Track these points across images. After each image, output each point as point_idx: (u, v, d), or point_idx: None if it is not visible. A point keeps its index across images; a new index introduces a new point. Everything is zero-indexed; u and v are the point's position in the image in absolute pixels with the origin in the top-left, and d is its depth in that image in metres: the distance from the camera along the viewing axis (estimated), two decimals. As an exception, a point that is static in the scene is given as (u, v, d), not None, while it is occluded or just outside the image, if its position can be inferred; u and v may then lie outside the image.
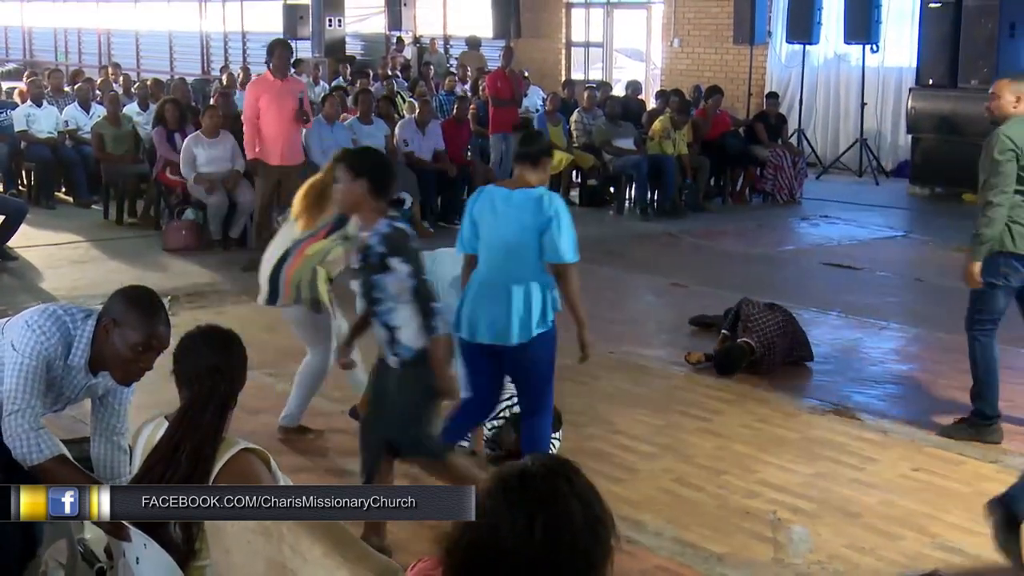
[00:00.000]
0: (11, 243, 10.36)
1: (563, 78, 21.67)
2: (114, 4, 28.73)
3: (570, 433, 6.12)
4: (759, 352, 7.27)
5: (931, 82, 14.94)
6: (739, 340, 7.39)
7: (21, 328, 3.59)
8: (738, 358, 7.29)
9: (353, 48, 23.98)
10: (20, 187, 13.79)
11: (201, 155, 11.05)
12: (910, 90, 15.67)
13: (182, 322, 8.43)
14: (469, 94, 16.32)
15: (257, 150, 10.03)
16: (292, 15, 21.57)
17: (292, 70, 11.09)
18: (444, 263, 5.59)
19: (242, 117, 10.38)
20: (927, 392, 7.11)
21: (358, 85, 15.92)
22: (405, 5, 22.82)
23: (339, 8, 22.00)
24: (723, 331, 7.67)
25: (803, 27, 16.53)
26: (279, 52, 10.08)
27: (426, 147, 12.64)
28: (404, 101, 15.49)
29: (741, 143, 14.80)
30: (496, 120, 14.10)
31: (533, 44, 22.09)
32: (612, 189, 14.30)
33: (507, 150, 13.45)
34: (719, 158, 14.42)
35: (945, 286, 9.24)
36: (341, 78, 19.29)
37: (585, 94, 15.00)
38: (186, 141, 11.13)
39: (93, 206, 13.08)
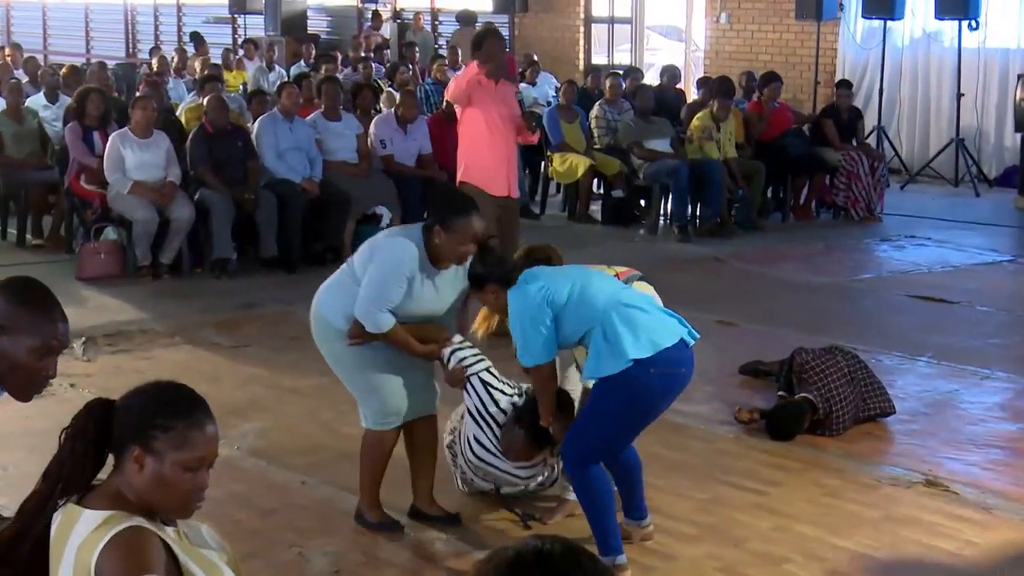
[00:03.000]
0: None
1: (581, 63, 21.81)
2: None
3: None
4: (822, 409, 7.28)
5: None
6: (796, 396, 7.41)
7: None
8: (796, 417, 7.29)
9: (317, 25, 24.15)
10: None
11: (131, 158, 11.09)
12: (1019, 77, 15.74)
13: (101, 370, 8.48)
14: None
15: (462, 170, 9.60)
16: (240, -16, 21.76)
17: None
18: None
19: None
20: (1041, 458, 7.12)
21: (323, 71, 16.04)
22: (382, -29, 23.04)
23: (299, -25, 22.21)
24: (779, 393, 7.68)
25: (883, -2, 16.66)
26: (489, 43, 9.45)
27: (409, 149, 12.69)
28: (381, 91, 15.57)
29: (805, 144, 14.86)
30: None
31: (543, 20, 22.22)
32: (643, 202, 14.35)
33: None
34: (778, 163, 14.47)
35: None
36: (303, 62, 19.42)
37: (608, 83, 15.08)
38: (111, 139, 11.18)
39: (-12, 224, 13.13)
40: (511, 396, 6.08)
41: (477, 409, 6.05)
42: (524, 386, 6.13)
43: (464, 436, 6.13)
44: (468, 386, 6.01)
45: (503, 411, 6.03)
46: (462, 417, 6.22)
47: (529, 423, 5.87)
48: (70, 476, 3.10)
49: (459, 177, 9.50)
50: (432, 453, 6.10)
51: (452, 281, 5.82)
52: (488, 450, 6.07)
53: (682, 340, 5.43)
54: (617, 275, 6.08)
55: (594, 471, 5.46)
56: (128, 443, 3.08)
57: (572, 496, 5.88)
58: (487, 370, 6.08)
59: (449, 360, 5.95)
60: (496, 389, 6.05)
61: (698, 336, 5.59)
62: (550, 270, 5.66)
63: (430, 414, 6.00)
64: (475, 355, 6.04)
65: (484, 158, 9.39)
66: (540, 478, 6.20)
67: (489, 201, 8.96)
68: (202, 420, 3.11)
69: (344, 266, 5.91)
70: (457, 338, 5.99)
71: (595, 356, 5.34)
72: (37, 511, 3.10)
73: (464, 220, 5.59)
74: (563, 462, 5.61)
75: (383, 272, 5.64)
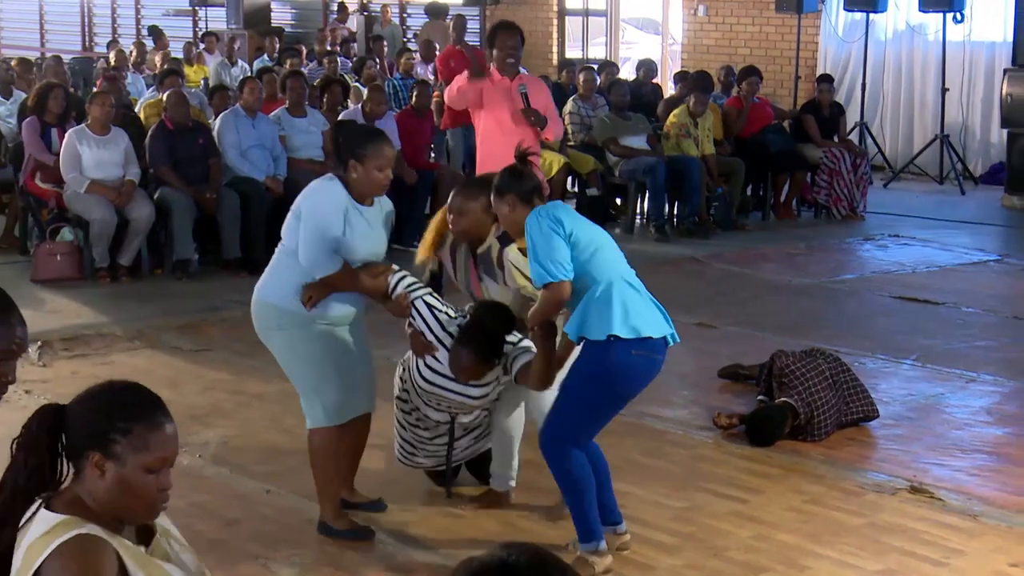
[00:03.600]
0: None
1: (555, 57, 21.82)
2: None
3: (565, 518, 6.13)
4: (803, 413, 7.31)
5: (1032, 62, 15.13)
6: (776, 401, 7.43)
7: None
8: (776, 422, 7.32)
9: (281, 18, 24.12)
10: None
11: (88, 156, 11.05)
12: (1005, 72, 15.82)
13: (57, 375, 8.46)
14: (432, 78, 16.41)
15: None
16: (201, -25, 21.71)
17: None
18: None
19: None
20: (1028, 464, 7.16)
21: (288, 66, 16.02)
22: (348, -39, 23.01)
23: (262, -34, 22.18)
24: (759, 397, 7.71)
25: (866, -10, 16.73)
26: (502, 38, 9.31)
27: (376, 146, 12.66)
28: (349, 87, 15.55)
29: (786, 141, 14.90)
30: (453, 110, 14.17)
31: (515, 13, 22.19)
32: (619, 201, 14.38)
33: (468, 149, 13.46)
34: (758, 160, 14.51)
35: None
36: (266, 56, 19.39)
37: (582, 77, 15.09)
38: (68, 136, 11.14)
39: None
40: (456, 319, 6.10)
41: (424, 333, 6.10)
42: (467, 307, 6.21)
43: (413, 366, 6.16)
44: (413, 311, 6.06)
45: (449, 334, 6.05)
46: (408, 357, 6.26)
47: (476, 341, 5.93)
48: (26, 488, 3.08)
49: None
50: (362, 449, 6.28)
51: (380, 216, 6.10)
52: (438, 372, 6.10)
53: (664, 338, 5.56)
54: None
55: (571, 453, 5.58)
56: (86, 449, 3.05)
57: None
58: (430, 294, 6.16)
59: (396, 288, 6.04)
60: (441, 311, 6.10)
61: (679, 340, 5.67)
62: (576, 214, 5.74)
63: (369, 412, 6.16)
64: (417, 283, 6.16)
65: (496, 157, 9.24)
66: (493, 395, 6.18)
67: None
68: (161, 420, 3.10)
69: (276, 252, 6.04)
70: (398, 268, 6.18)
71: (582, 314, 5.48)
72: None
73: (375, 147, 5.89)
74: (540, 445, 5.69)
75: (317, 215, 5.82)
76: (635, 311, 5.46)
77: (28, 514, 3.04)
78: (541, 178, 6.89)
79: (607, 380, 5.50)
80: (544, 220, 5.49)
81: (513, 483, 6.44)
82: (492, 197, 5.83)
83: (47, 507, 3.04)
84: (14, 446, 3.11)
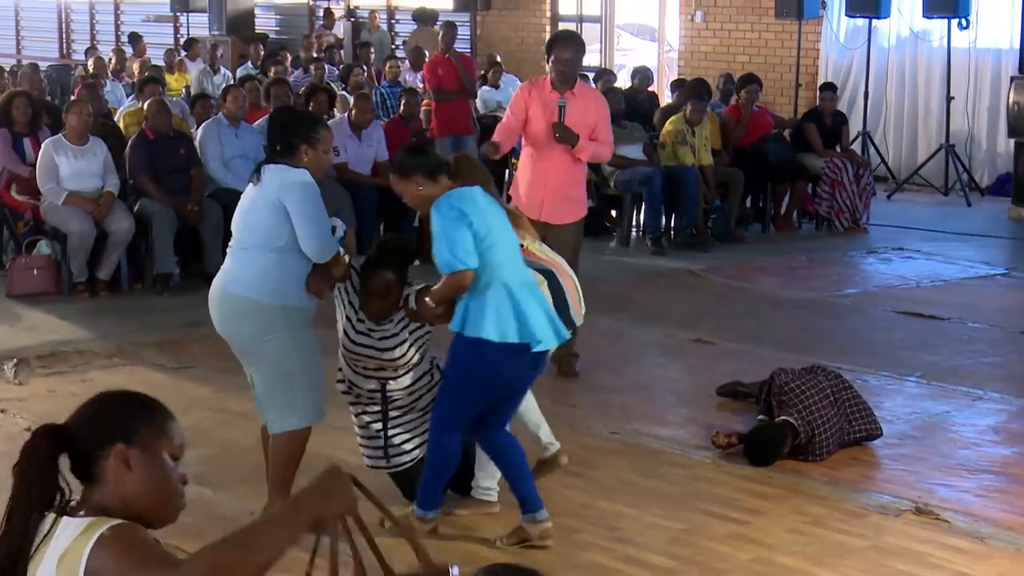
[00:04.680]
0: None
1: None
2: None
3: (558, 539, 6.14)
4: (803, 432, 7.30)
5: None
6: (776, 419, 7.43)
7: None
8: (775, 441, 7.31)
9: (265, 24, 24.13)
10: None
11: (65, 166, 11.04)
12: (1012, 79, 15.86)
13: (34, 393, 8.44)
14: (421, 86, 16.43)
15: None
16: (182, -20, 21.73)
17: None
18: None
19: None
20: (1037, 484, 7.16)
21: (272, 73, 16.03)
22: (335, -34, 23.05)
23: (246, -29, 22.21)
24: (759, 416, 7.71)
25: (868, -4, 16.77)
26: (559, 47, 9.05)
27: (364, 156, 12.70)
28: (335, 95, 15.56)
29: (786, 151, 14.93)
30: (442, 119, 14.23)
31: (507, 19, 22.29)
32: (614, 212, 14.40)
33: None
34: (757, 171, 14.54)
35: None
36: (250, 63, 19.40)
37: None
38: (44, 146, 11.12)
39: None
40: None
41: (346, 298, 6.48)
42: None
43: (344, 336, 6.47)
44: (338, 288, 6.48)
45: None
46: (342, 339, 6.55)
47: (383, 260, 6.37)
48: (41, 505, 3.05)
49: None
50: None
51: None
52: (358, 331, 6.41)
53: (540, 352, 6.07)
54: (526, 249, 6.54)
55: (452, 437, 6.11)
56: (106, 446, 3.04)
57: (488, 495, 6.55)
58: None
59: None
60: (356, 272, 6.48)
61: (567, 335, 6.26)
62: (487, 204, 6.10)
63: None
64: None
65: (523, 181, 9.05)
66: (405, 347, 6.42)
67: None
68: (170, 412, 3.16)
69: (240, 250, 6.35)
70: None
71: (463, 307, 5.97)
72: (12, 555, 3.04)
73: (324, 131, 6.30)
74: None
75: (312, 203, 6.11)
76: (507, 316, 5.89)
77: (43, 530, 3.00)
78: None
79: (475, 373, 5.99)
80: (450, 209, 5.89)
81: (494, 496, 6.57)
82: (397, 178, 6.19)
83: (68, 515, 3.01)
84: (17, 472, 3.07)
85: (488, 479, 6.55)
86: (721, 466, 7.34)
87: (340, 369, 6.56)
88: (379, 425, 6.57)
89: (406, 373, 6.50)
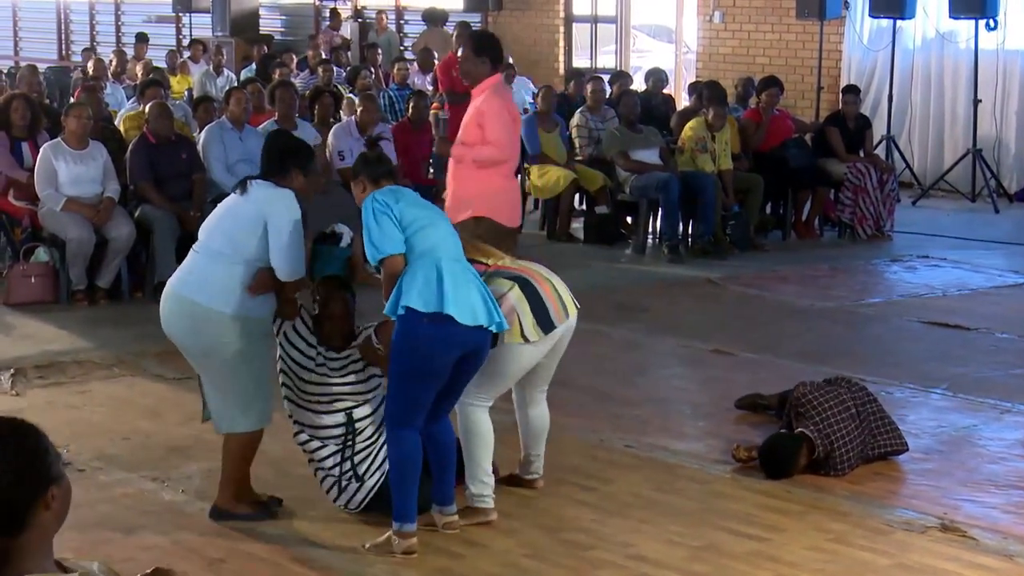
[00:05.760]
0: None
1: (561, 66, 21.85)
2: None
3: (570, 557, 6.13)
4: (820, 446, 7.28)
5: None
6: (795, 431, 7.41)
7: None
8: (788, 452, 7.29)
9: (270, 25, 24.19)
10: None
11: (64, 171, 11.04)
12: (1041, 82, 15.84)
13: (31, 405, 8.45)
14: (431, 88, 16.45)
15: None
16: (185, -20, 21.78)
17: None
18: None
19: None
20: (1067, 500, 7.14)
21: (277, 75, 16.05)
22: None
23: (251, -29, 22.26)
24: (780, 430, 7.67)
25: (892, -4, 16.76)
26: None
27: (371, 161, 12.70)
28: (342, 97, 15.60)
29: (808, 156, 14.92)
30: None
31: (519, 19, 22.30)
32: (629, 219, 14.39)
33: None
34: (778, 176, 14.52)
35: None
36: (254, 65, 19.44)
37: (591, 88, 15.13)
38: (43, 151, 11.13)
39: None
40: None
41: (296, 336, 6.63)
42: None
43: (291, 382, 6.59)
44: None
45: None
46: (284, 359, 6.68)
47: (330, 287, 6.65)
48: None
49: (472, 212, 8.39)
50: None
51: None
52: (318, 363, 6.57)
53: (474, 333, 6.13)
54: (493, 265, 6.68)
55: (402, 435, 6.16)
56: (40, 496, 2.94)
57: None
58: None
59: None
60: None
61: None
62: (415, 199, 6.40)
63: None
64: None
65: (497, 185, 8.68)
66: (352, 377, 6.58)
67: (507, 234, 8.42)
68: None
69: (207, 254, 6.45)
70: None
71: (395, 294, 6.12)
72: None
73: (316, 162, 6.83)
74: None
75: (292, 224, 6.34)
76: (432, 286, 6.03)
77: None
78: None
79: (406, 351, 6.07)
80: (375, 203, 6.15)
81: (489, 503, 6.58)
82: (351, 181, 6.54)
83: None
84: None
85: (479, 486, 6.55)
86: (739, 481, 7.33)
87: (294, 419, 6.62)
88: (345, 463, 6.56)
89: (367, 401, 6.63)
